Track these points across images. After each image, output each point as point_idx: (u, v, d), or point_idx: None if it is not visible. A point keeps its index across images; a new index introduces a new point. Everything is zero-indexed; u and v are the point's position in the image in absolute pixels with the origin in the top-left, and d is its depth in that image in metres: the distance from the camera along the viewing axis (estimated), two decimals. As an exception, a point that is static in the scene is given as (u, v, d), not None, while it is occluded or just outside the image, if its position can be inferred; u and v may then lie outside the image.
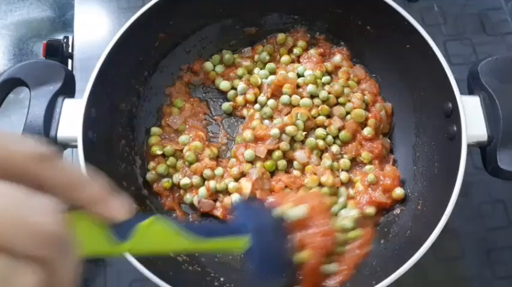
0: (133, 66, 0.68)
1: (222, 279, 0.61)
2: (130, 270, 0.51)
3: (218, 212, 0.65)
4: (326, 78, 0.71)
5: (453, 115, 0.58)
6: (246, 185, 0.65)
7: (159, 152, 0.68)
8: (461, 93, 0.57)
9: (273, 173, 0.67)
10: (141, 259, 0.52)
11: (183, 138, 0.68)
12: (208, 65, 0.74)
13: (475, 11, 0.83)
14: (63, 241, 0.25)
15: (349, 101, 0.69)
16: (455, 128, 0.57)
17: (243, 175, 0.66)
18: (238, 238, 0.44)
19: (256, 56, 0.74)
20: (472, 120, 0.56)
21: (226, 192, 0.66)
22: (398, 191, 0.64)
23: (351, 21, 0.70)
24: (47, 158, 0.27)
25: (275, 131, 0.66)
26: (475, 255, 0.67)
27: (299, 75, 0.72)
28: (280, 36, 0.74)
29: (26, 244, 0.24)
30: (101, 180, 0.30)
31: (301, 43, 0.74)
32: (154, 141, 0.69)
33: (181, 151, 0.68)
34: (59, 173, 0.28)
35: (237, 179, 0.66)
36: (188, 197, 0.66)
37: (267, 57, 0.74)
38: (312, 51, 0.74)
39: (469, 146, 0.55)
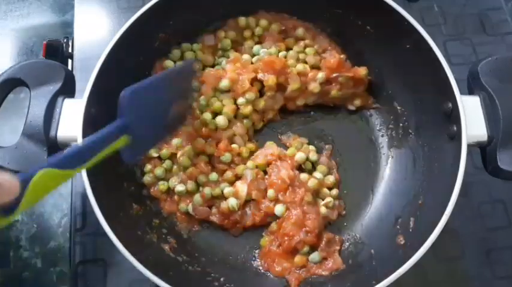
0: (133, 66, 0.68)
1: (222, 279, 0.61)
2: (130, 270, 0.52)
3: (215, 218, 0.64)
4: (282, 54, 0.71)
5: (453, 115, 0.58)
6: (242, 187, 0.64)
7: (155, 155, 0.67)
8: (461, 93, 0.57)
9: (265, 172, 0.67)
10: (141, 259, 0.52)
11: (175, 141, 0.67)
12: (168, 63, 0.71)
13: (475, 11, 0.84)
14: None
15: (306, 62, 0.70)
16: (455, 128, 0.57)
17: (237, 177, 0.66)
18: (119, 141, 0.47)
19: (219, 44, 0.73)
20: (472, 120, 0.56)
21: (222, 196, 0.65)
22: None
23: (351, 21, 0.70)
24: None
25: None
26: (475, 255, 0.67)
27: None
28: (242, 21, 0.72)
29: None
30: None
31: (263, 22, 0.73)
32: None
33: (176, 155, 0.67)
34: None
35: (231, 183, 0.65)
36: (183, 205, 0.65)
37: (229, 45, 0.72)
38: (273, 26, 0.73)
39: (469, 146, 0.55)
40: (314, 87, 0.69)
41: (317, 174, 0.67)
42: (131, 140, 0.48)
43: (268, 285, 0.62)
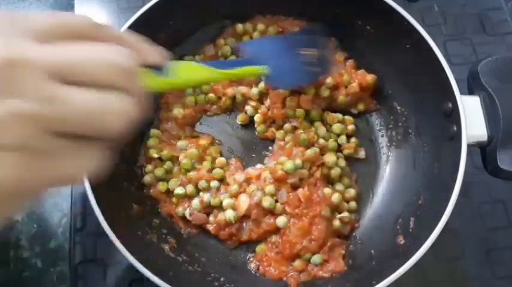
0: (133, 66, 0.68)
1: (222, 279, 0.61)
2: (130, 270, 0.52)
3: (211, 227, 0.63)
4: None
5: (453, 115, 0.58)
6: (244, 202, 0.63)
7: (155, 155, 0.66)
8: (461, 93, 0.57)
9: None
10: (141, 259, 0.52)
11: (181, 143, 0.67)
12: None
13: (475, 11, 0.83)
14: (133, 73, 0.35)
15: None
16: (455, 128, 0.57)
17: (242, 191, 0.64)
18: (256, 67, 0.57)
19: (219, 52, 0.73)
20: (472, 120, 0.56)
21: (221, 207, 0.64)
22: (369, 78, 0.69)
23: (350, 21, 0.70)
24: (97, 25, 0.36)
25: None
26: (475, 255, 0.67)
27: None
28: (239, 27, 0.72)
29: (110, 77, 0.33)
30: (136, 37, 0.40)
31: (260, 26, 0.72)
32: (152, 144, 0.67)
33: (178, 158, 0.66)
34: (106, 34, 0.36)
35: (235, 195, 0.64)
36: (180, 210, 0.64)
37: (230, 52, 0.72)
38: (270, 29, 0.73)
39: (469, 146, 0.55)
40: (323, 91, 0.68)
41: (339, 186, 0.66)
42: (271, 71, 0.58)
43: (269, 285, 0.62)
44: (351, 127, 0.70)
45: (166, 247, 0.62)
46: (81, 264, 0.66)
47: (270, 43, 0.65)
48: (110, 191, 0.58)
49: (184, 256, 0.62)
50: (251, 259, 0.64)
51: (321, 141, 0.67)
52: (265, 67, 0.57)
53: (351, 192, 0.66)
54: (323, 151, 0.67)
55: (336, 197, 0.63)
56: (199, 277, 0.61)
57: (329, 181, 0.67)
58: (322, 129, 0.68)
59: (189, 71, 0.47)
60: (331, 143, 0.67)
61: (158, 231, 0.63)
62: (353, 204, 0.66)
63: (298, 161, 0.63)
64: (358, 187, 0.68)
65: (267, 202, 0.62)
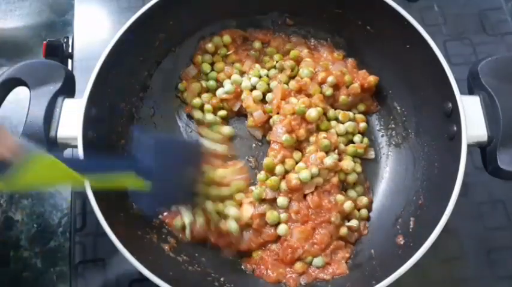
0: (133, 66, 0.68)
1: (222, 279, 0.61)
2: (130, 270, 0.52)
3: (210, 234, 0.63)
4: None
5: (453, 115, 0.58)
6: (247, 211, 0.63)
7: None
8: (461, 93, 0.57)
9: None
10: (141, 259, 0.52)
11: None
12: None
13: (475, 11, 0.84)
14: None
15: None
16: (455, 128, 0.57)
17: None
18: (137, 179, 0.48)
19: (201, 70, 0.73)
20: (472, 120, 0.56)
21: (223, 215, 0.63)
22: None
23: (351, 21, 0.70)
24: None
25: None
26: (475, 255, 0.67)
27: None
28: (208, 47, 0.73)
29: None
30: None
31: (226, 38, 0.73)
32: None
33: None
34: None
35: (238, 204, 0.64)
36: (178, 222, 0.63)
37: (209, 69, 0.72)
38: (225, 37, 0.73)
39: (469, 146, 0.55)
40: (326, 89, 0.68)
41: (351, 192, 0.66)
42: (151, 188, 0.50)
43: (268, 285, 0.62)
44: (362, 125, 0.70)
45: (166, 247, 0.62)
46: (81, 264, 0.66)
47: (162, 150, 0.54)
48: (109, 191, 0.58)
49: (184, 256, 0.62)
50: (245, 263, 0.63)
51: (341, 146, 0.67)
52: (146, 183, 0.49)
53: (363, 200, 0.66)
54: (341, 156, 0.66)
55: (348, 205, 0.63)
56: (199, 277, 0.61)
57: (343, 187, 0.66)
58: (340, 127, 0.68)
59: (45, 169, 0.40)
60: (350, 148, 0.67)
61: (158, 231, 0.63)
62: (364, 212, 0.65)
63: (315, 170, 0.62)
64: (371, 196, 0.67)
65: (272, 217, 0.62)
